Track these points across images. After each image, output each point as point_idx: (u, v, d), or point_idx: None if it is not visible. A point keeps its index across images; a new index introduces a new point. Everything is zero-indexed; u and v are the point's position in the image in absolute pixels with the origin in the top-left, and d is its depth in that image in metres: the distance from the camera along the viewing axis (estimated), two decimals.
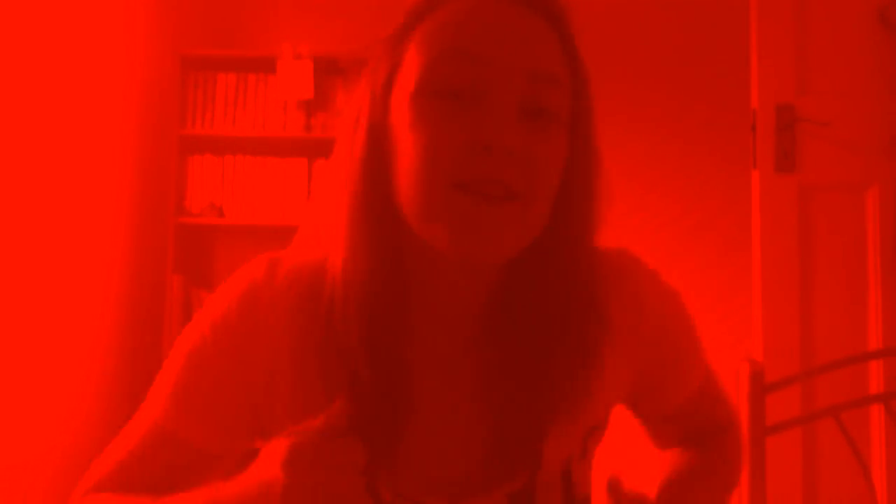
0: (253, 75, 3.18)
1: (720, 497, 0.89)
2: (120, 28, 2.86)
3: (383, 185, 0.71)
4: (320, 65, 3.12)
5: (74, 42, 2.55)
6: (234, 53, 3.19)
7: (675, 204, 3.28)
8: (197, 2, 3.34)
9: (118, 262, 2.87)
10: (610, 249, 0.84)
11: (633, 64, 3.32)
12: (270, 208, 3.15)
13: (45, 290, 2.36)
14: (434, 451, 0.74)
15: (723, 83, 3.21)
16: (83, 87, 2.61)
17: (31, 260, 2.28)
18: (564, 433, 0.76)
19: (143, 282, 3.04)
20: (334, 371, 0.71)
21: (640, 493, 0.77)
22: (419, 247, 0.71)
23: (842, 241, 2.26)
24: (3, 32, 2.17)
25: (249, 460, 0.73)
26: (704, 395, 0.90)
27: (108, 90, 2.78)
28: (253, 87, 3.18)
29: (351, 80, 3.17)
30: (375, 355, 0.70)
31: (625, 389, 0.83)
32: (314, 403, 0.70)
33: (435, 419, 0.74)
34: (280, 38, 3.17)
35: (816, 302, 2.23)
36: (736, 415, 0.96)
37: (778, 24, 2.28)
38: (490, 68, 0.67)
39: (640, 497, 0.77)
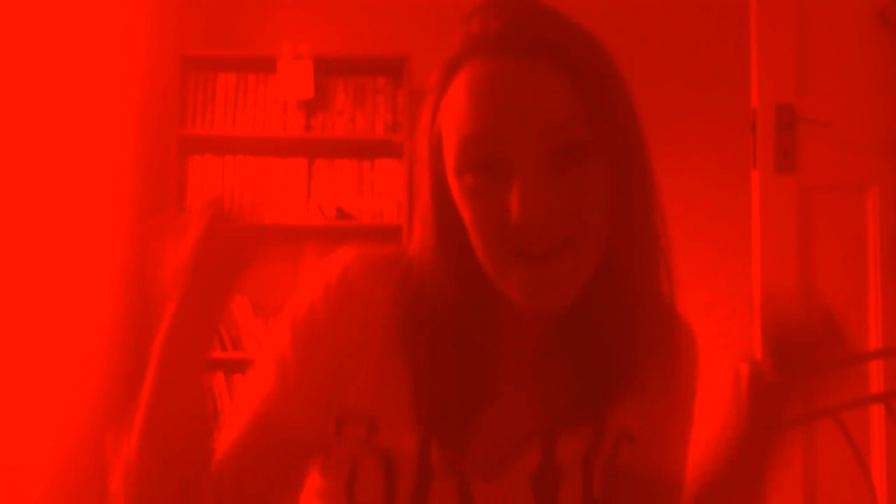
0: (253, 75, 3.18)
1: None
2: (120, 28, 2.87)
3: (456, 228, 0.77)
4: (320, 65, 3.12)
5: (75, 42, 2.55)
6: (234, 53, 3.19)
7: (675, 204, 3.27)
8: (197, 2, 3.34)
9: (118, 262, 2.87)
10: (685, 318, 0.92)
11: (633, 64, 3.30)
12: (270, 208, 3.15)
13: (46, 290, 2.36)
14: (480, 425, 0.80)
15: (723, 83, 3.20)
16: (83, 86, 2.61)
17: (32, 260, 2.28)
18: (585, 420, 0.81)
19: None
20: (418, 358, 0.78)
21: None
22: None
23: (842, 241, 2.26)
24: (4, 32, 2.17)
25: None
26: None
27: (108, 90, 2.78)
28: (253, 87, 3.18)
29: (351, 81, 3.17)
30: (461, 349, 0.77)
31: (650, 412, 0.88)
32: (394, 386, 0.78)
33: (493, 408, 0.80)
34: (280, 38, 3.17)
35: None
36: None
37: (778, 24, 2.28)
38: (507, 142, 0.71)
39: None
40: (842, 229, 2.26)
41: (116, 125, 2.86)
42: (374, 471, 0.80)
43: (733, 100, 2.92)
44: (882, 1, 2.28)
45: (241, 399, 0.83)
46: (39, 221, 2.33)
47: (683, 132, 3.30)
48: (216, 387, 3.04)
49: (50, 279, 2.39)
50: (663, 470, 0.90)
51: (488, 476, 0.80)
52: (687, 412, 0.94)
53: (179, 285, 0.76)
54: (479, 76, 0.73)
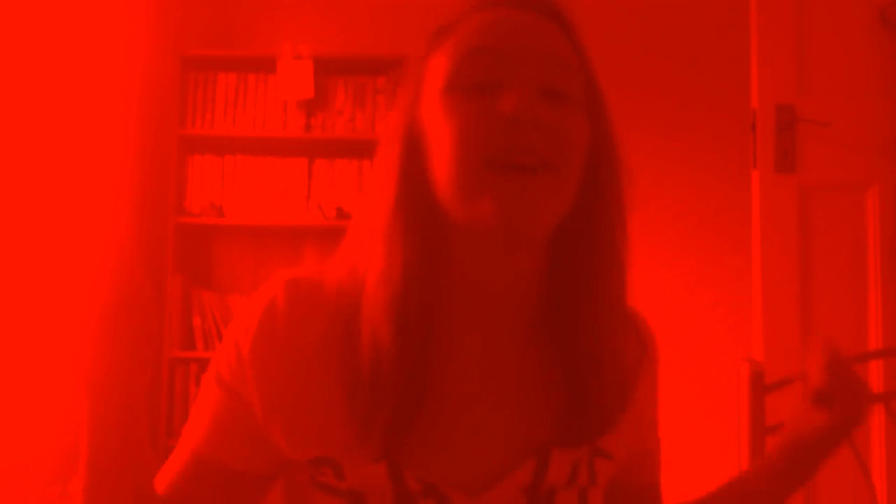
0: (253, 75, 3.18)
1: None
2: (120, 28, 2.87)
3: (421, 187, 0.75)
4: (320, 65, 3.12)
5: (75, 42, 2.55)
6: (234, 53, 3.19)
7: (675, 204, 3.28)
8: (197, 2, 3.34)
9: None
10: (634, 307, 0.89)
11: (634, 64, 3.32)
12: (270, 208, 3.15)
13: (45, 290, 2.35)
14: (458, 442, 0.76)
15: (723, 83, 3.21)
16: (83, 86, 2.61)
17: (31, 260, 2.28)
18: (574, 435, 0.78)
19: None
20: (357, 373, 0.73)
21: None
22: (459, 240, 0.75)
23: (842, 241, 2.26)
24: (4, 32, 2.16)
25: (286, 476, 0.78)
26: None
27: (108, 90, 2.78)
28: (253, 87, 3.18)
29: (351, 81, 3.18)
30: (404, 347, 0.72)
31: (630, 430, 0.85)
32: (336, 408, 0.73)
33: (459, 412, 0.77)
34: (280, 38, 3.17)
35: (816, 302, 2.23)
36: None
37: (778, 24, 2.28)
38: (509, 60, 0.73)
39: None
40: (842, 229, 2.26)
41: (116, 125, 2.86)
42: None
43: (733, 100, 2.92)
44: (882, 1, 2.28)
45: (184, 432, 0.81)
46: (39, 221, 2.33)
47: (683, 132, 3.30)
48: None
49: (49, 279, 2.38)
50: (644, 479, 0.90)
51: (474, 492, 0.75)
52: (654, 411, 0.90)
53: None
54: (483, 17, 0.76)
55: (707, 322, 3.21)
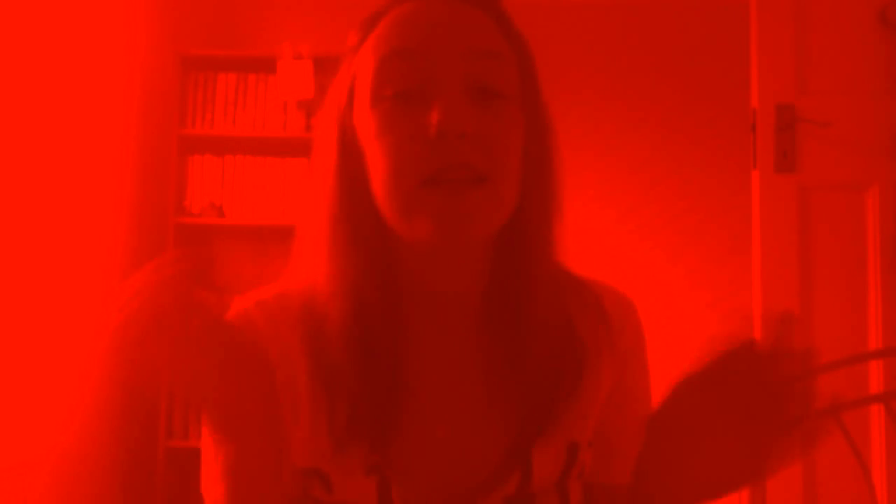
0: (253, 75, 3.18)
1: None
2: (120, 28, 2.86)
3: (360, 190, 0.73)
4: (320, 65, 3.12)
5: (75, 42, 2.55)
6: (234, 53, 3.19)
7: (676, 203, 3.28)
8: (197, 2, 3.34)
9: (118, 262, 2.87)
10: (618, 286, 0.85)
11: (634, 64, 3.32)
12: (270, 208, 3.15)
13: (46, 291, 2.35)
14: (438, 452, 0.75)
15: (723, 83, 3.21)
16: (83, 86, 2.61)
17: (31, 260, 2.28)
18: (553, 439, 0.76)
19: None
20: (331, 385, 0.72)
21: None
22: (404, 248, 0.74)
23: (842, 241, 2.26)
24: (4, 32, 2.16)
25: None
26: None
27: (108, 90, 2.78)
28: (253, 87, 3.18)
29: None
30: (369, 360, 0.72)
31: (603, 413, 0.82)
32: (320, 422, 0.72)
33: (438, 418, 0.75)
34: (280, 38, 3.17)
35: (816, 302, 2.23)
36: None
37: (778, 24, 2.28)
38: (429, 59, 0.70)
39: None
40: (842, 229, 2.26)
41: (116, 125, 2.86)
42: None
43: (733, 100, 2.92)
44: (882, 1, 2.28)
45: (205, 483, 0.76)
46: (39, 221, 2.33)
47: (683, 132, 3.30)
48: None
49: (50, 279, 2.39)
50: (627, 474, 0.86)
51: None
52: (644, 397, 0.85)
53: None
54: (404, 11, 0.73)
55: (707, 322, 3.21)
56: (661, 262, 3.25)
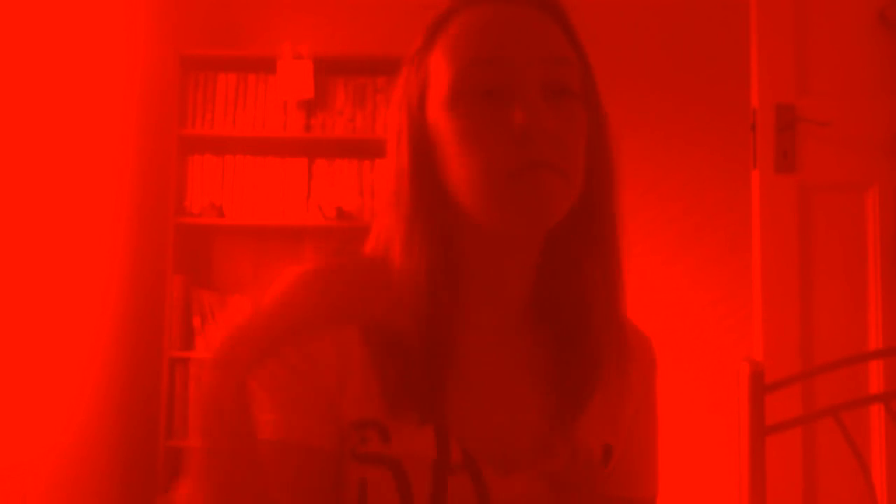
0: (253, 75, 3.18)
1: None
2: (120, 28, 2.87)
3: (432, 183, 0.79)
4: (320, 65, 3.12)
5: (75, 42, 2.55)
6: (234, 53, 3.19)
7: (675, 204, 3.28)
8: (197, 2, 3.34)
9: (118, 262, 2.87)
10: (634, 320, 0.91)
11: (634, 64, 3.32)
12: (270, 208, 3.15)
13: (46, 290, 2.36)
14: (488, 419, 0.80)
15: (723, 83, 3.20)
16: (83, 86, 2.61)
17: (32, 260, 2.28)
18: (591, 436, 0.82)
19: (143, 282, 3.04)
20: (387, 347, 0.78)
21: None
22: (470, 236, 0.80)
23: (842, 241, 2.26)
24: (4, 32, 2.17)
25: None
26: None
27: (108, 90, 2.78)
28: (253, 87, 3.18)
29: (351, 81, 3.18)
30: (429, 328, 0.77)
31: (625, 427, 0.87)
32: (374, 389, 0.77)
33: (488, 391, 0.81)
34: (280, 38, 3.17)
35: (816, 302, 2.23)
36: None
37: (778, 24, 2.28)
38: (512, 67, 0.76)
39: None
40: (842, 229, 2.26)
41: (116, 125, 2.86)
42: (384, 482, 0.76)
43: (733, 100, 2.91)
44: (882, 1, 2.28)
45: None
46: (39, 221, 2.33)
47: (683, 132, 3.30)
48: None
49: (50, 279, 2.39)
50: (640, 493, 0.89)
51: (504, 471, 0.78)
52: (654, 422, 0.92)
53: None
54: (478, 15, 0.79)
55: (707, 322, 3.21)
56: (661, 262, 3.25)
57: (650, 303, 3.12)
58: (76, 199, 2.56)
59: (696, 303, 3.23)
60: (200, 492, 0.73)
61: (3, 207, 2.15)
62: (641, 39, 3.33)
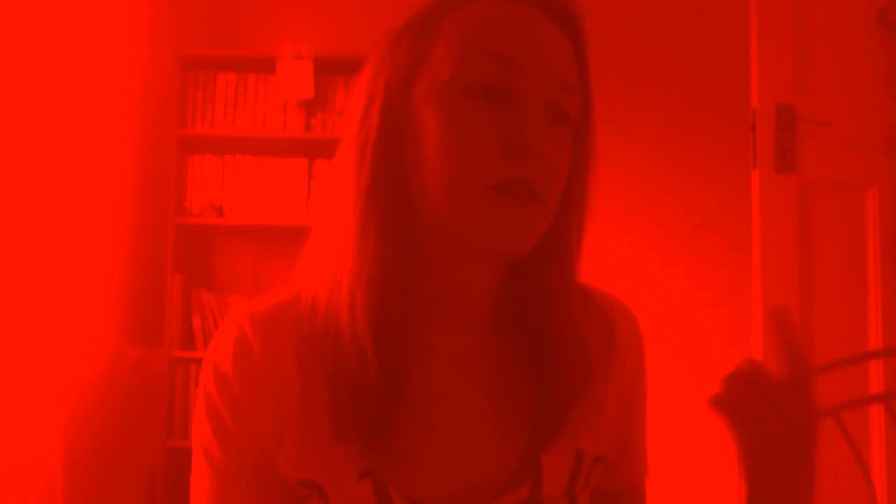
0: (253, 75, 3.18)
1: None
2: (120, 28, 2.87)
3: (398, 176, 0.72)
4: (320, 65, 3.12)
5: (75, 42, 2.55)
6: (234, 53, 3.19)
7: (675, 204, 3.28)
8: (197, 2, 3.34)
9: (118, 261, 2.87)
10: (619, 296, 0.87)
11: (634, 64, 3.32)
12: (270, 208, 3.15)
13: (46, 290, 2.36)
14: (443, 453, 0.75)
15: (723, 83, 3.21)
16: (83, 87, 2.61)
17: (32, 260, 2.28)
18: (561, 447, 0.76)
19: (143, 282, 3.04)
20: (336, 378, 0.72)
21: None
22: (431, 242, 0.74)
23: (842, 241, 2.26)
24: (4, 32, 2.16)
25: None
26: None
27: (108, 90, 2.78)
28: (253, 87, 3.18)
29: (351, 81, 3.18)
30: (382, 344, 0.71)
31: (611, 425, 0.82)
32: (318, 429, 0.72)
33: (444, 421, 0.75)
34: (280, 38, 3.17)
35: (816, 302, 2.23)
36: None
37: (778, 24, 2.28)
38: (524, 72, 0.70)
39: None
40: (842, 229, 2.26)
41: (116, 125, 2.86)
42: None
43: (733, 100, 2.92)
44: (882, 1, 2.28)
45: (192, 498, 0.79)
46: (40, 221, 2.33)
47: (683, 132, 3.30)
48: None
49: (50, 279, 2.39)
50: (632, 480, 0.86)
51: None
52: (642, 406, 0.87)
53: None
54: (502, 8, 0.72)
55: (707, 322, 3.21)
56: (661, 263, 3.25)
57: (650, 303, 3.12)
58: (76, 199, 2.55)
59: (696, 303, 3.23)
60: None
61: (3, 207, 2.15)
62: (642, 40, 3.33)
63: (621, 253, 3.23)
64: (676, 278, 3.24)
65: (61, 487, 2.43)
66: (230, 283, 3.25)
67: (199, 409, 0.78)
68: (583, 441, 0.78)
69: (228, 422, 0.75)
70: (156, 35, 3.14)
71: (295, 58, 3.08)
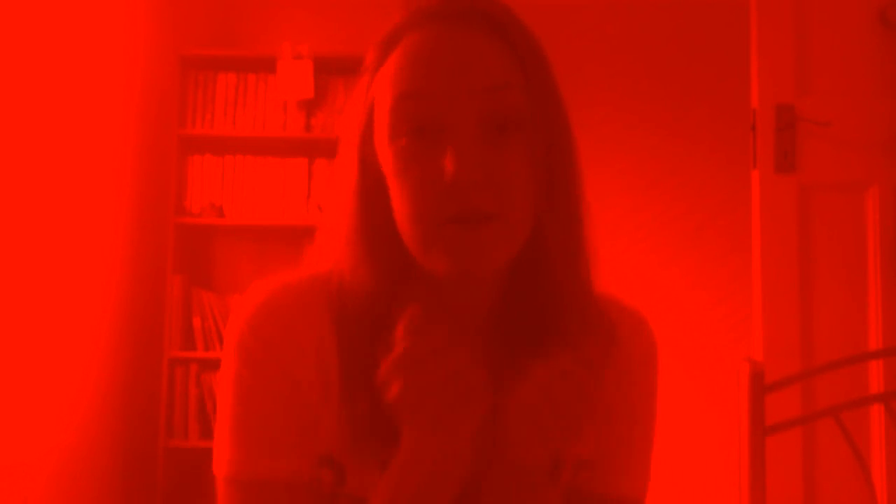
0: (253, 75, 3.18)
1: None
2: (120, 28, 2.87)
3: (381, 210, 0.76)
4: (320, 65, 3.12)
5: (75, 42, 2.55)
6: (234, 53, 3.19)
7: (676, 204, 3.28)
8: (197, 2, 3.34)
9: (118, 262, 2.87)
10: (635, 304, 0.87)
11: (634, 64, 3.32)
12: (270, 208, 3.15)
13: (46, 290, 2.36)
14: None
15: (723, 83, 3.21)
16: (83, 87, 2.61)
17: (32, 260, 2.28)
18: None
19: (143, 282, 3.04)
20: (352, 374, 0.74)
21: None
22: (419, 265, 0.76)
23: (842, 241, 2.26)
24: (4, 32, 2.16)
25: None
26: None
27: (108, 90, 2.78)
28: (253, 87, 3.18)
29: (351, 81, 3.17)
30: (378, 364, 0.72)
31: (602, 433, 0.82)
32: (336, 410, 0.74)
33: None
34: (280, 38, 3.17)
35: (816, 302, 2.23)
36: None
37: (778, 24, 2.28)
38: (443, 102, 0.71)
39: None
40: (842, 229, 2.26)
41: (116, 125, 2.86)
42: None
43: (733, 100, 2.92)
44: (882, 1, 2.28)
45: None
46: (40, 221, 2.33)
47: (683, 132, 3.30)
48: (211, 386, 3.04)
49: (50, 279, 2.39)
50: (622, 489, 0.86)
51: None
52: (647, 416, 0.87)
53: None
54: (417, 42, 0.74)
55: (707, 322, 3.21)
56: (661, 263, 3.25)
57: (650, 303, 3.12)
58: (76, 199, 2.55)
59: (696, 303, 3.23)
60: None
61: (3, 207, 2.15)
62: (642, 40, 3.33)
63: (621, 253, 3.23)
64: (677, 278, 3.24)
65: (61, 487, 2.43)
66: (230, 283, 3.25)
67: (229, 379, 0.78)
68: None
69: (272, 377, 0.76)
70: (155, 35, 3.14)
71: (295, 58, 3.08)
